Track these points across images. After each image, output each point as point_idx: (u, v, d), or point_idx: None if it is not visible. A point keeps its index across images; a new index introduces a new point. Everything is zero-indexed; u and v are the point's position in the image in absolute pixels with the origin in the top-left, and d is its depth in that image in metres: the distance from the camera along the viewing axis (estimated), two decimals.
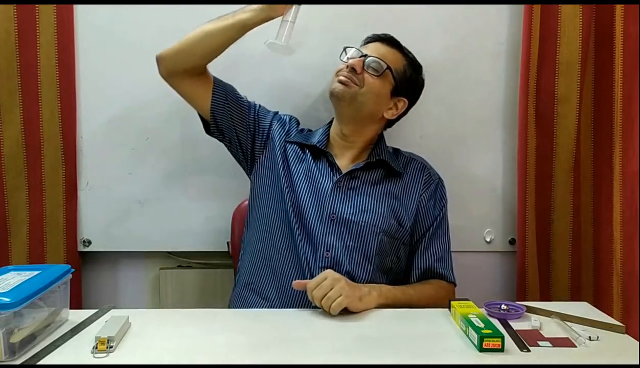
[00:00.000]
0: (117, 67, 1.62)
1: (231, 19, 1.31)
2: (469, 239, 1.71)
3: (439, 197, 1.42)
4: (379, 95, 1.38)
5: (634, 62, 1.48)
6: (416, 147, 1.49)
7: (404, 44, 1.43)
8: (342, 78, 1.36)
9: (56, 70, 1.57)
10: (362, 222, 1.34)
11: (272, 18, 1.29)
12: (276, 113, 1.50)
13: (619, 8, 1.51)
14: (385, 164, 1.40)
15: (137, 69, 1.62)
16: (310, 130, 1.50)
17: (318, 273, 1.19)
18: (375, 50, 1.39)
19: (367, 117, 1.39)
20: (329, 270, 1.18)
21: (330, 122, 1.47)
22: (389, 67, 1.37)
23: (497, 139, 1.69)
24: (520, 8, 1.60)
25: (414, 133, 1.65)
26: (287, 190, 1.37)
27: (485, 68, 1.66)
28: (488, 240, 1.72)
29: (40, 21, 1.55)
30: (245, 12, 1.30)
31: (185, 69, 1.36)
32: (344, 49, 1.42)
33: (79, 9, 1.59)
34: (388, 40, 1.42)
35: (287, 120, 1.50)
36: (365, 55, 1.38)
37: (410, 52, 1.44)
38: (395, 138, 1.51)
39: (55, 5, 1.56)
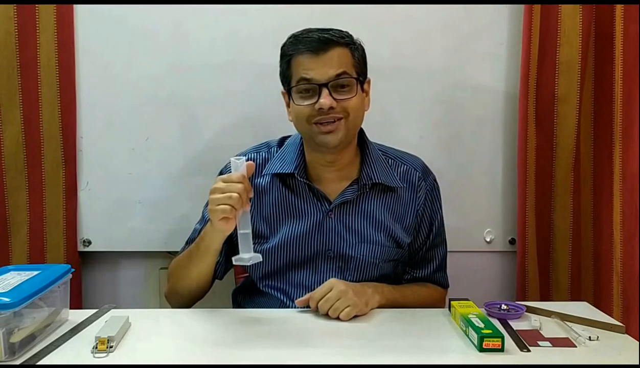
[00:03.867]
0: (117, 67, 1.62)
1: (197, 258, 1.21)
2: (469, 239, 1.71)
3: (435, 200, 1.35)
4: (362, 106, 1.23)
5: (634, 62, 1.47)
6: (416, 147, 1.48)
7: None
8: (327, 127, 1.17)
9: (56, 70, 1.57)
10: (360, 256, 1.26)
11: (229, 233, 1.14)
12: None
13: (619, 8, 1.51)
14: (379, 184, 1.27)
15: (137, 68, 1.62)
16: (276, 147, 1.31)
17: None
18: (327, 67, 1.16)
19: (356, 133, 1.27)
20: (333, 280, 1.16)
21: (299, 141, 1.28)
22: (356, 78, 1.20)
23: (497, 138, 1.69)
24: (520, 8, 1.60)
25: (414, 134, 1.65)
26: (277, 231, 1.27)
27: (485, 68, 1.66)
28: (488, 240, 1.72)
29: (40, 21, 1.55)
30: (203, 239, 1.19)
31: (190, 303, 1.29)
32: (289, 91, 1.21)
33: (79, 9, 1.59)
34: (325, 43, 1.17)
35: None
36: (326, 84, 1.16)
37: (341, 33, 1.20)
38: (396, 139, 1.51)
39: (55, 5, 1.56)
